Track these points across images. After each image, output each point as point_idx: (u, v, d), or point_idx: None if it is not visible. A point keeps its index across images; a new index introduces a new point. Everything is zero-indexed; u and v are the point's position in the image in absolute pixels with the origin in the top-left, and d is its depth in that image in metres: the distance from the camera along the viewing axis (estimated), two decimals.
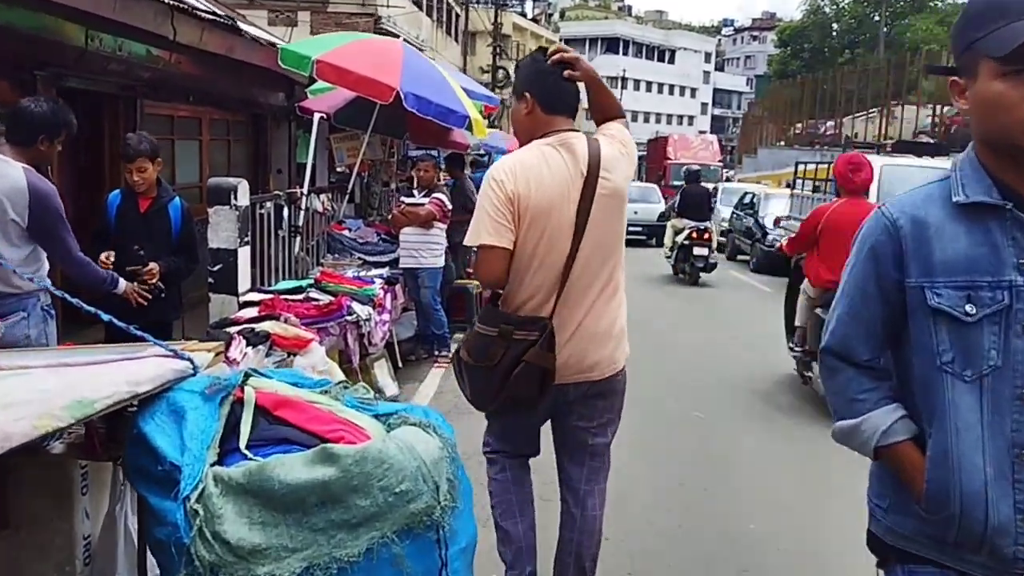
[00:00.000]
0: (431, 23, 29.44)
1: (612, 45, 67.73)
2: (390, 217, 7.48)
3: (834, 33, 50.26)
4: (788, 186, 14.51)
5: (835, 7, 49.82)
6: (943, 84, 27.35)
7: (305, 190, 6.59)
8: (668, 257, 13.15)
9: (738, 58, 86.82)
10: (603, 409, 2.73)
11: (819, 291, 5.65)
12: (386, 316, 6.20)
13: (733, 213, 17.28)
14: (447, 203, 6.97)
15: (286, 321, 4.36)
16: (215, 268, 5.09)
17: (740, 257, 16.93)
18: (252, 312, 4.75)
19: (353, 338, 5.16)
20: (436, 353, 7.13)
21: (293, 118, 9.89)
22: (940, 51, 27.87)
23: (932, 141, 16.17)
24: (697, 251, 12.40)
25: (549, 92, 2.62)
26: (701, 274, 12.62)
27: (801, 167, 13.07)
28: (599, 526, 2.79)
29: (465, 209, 8.18)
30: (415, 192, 7.13)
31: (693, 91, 74.28)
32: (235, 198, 5.08)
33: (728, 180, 28.33)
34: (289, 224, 6.39)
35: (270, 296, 5.20)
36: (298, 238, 6.48)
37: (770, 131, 36.92)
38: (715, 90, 77.93)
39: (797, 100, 33.68)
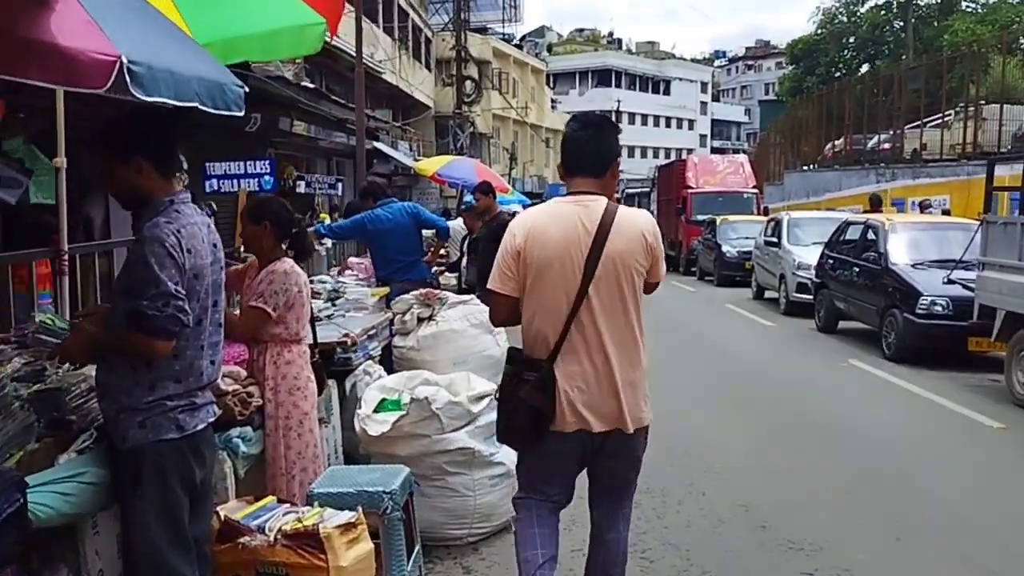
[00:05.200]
0: (393, 44, 24.15)
1: (604, 77, 63.15)
2: None
3: (850, 44, 45.00)
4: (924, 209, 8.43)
5: (851, 17, 44.61)
6: (992, 87, 21.52)
7: None
8: None
9: (734, 88, 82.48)
10: (623, 455, 2.88)
11: None
12: None
13: (826, 258, 11.12)
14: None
15: None
16: None
17: (844, 325, 10.73)
18: None
19: None
20: None
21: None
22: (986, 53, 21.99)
23: None
24: None
25: (568, 155, 2.91)
26: None
27: (1002, 172, 7.04)
28: (623, 547, 2.97)
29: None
30: None
31: (691, 123, 69.82)
32: None
33: (767, 211, 22.29)
34: None
35: None
36: None
37: (792, 155, 31.46)
38: (713, 121, 73.10)
39: (829, 114, 28.10)
